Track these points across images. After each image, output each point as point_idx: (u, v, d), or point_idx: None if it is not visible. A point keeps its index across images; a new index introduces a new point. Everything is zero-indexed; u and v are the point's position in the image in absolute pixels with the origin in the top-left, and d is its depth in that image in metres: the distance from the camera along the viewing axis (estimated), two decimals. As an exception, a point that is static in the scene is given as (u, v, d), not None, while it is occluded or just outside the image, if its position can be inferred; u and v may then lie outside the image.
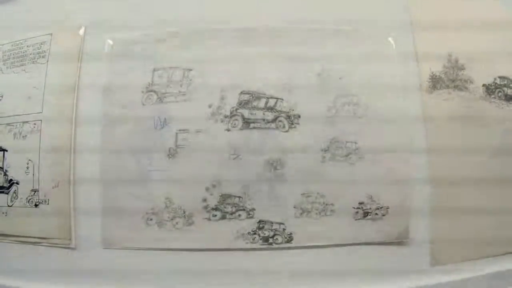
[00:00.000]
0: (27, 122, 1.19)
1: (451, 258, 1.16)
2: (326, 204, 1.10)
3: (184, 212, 1.08)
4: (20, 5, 1.26)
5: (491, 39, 1.24)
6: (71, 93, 1.16)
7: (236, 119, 1.09)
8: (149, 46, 1.14)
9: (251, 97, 1.10)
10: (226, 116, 1.09)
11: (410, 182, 1.13)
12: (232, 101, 1.10)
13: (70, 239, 1.15)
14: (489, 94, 1.21)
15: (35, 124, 1.18)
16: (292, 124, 1.09)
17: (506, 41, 1.24)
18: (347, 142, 1.10)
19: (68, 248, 1.14)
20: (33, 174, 1.18)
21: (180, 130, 1.10)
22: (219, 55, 1.12)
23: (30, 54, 1.23)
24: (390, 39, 1.15)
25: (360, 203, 1.10)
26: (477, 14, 1.25)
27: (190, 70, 1.11)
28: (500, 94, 1.23)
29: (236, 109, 1.09)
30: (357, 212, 1.10)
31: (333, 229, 1.10)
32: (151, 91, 1.11)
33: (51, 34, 1.22)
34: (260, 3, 1.15)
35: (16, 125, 1.20)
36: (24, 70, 1.23)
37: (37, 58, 1.23)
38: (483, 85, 1.20)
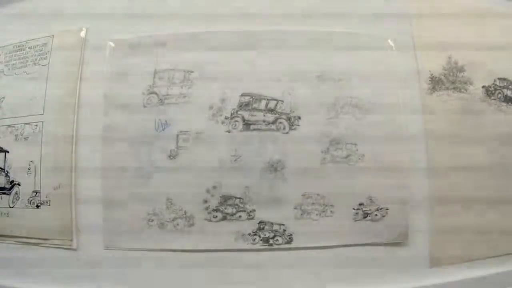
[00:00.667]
0: (28, 123, 1.20)
1: (451, 259, 1.17)
2: (326, 205, 1.10)
3: (185, 213, 1.09)
4: (22, 7, 1.26)
5: (491, 40, 1.23)
6: (72, 94, 1.16)
7: (237, 121, 1.10)
8: (150, 48, 1.14)
9: (251, 99, 1.10)
10: (226, 118, 1.10)
11: (410, 184, 1.12)
12: (232, 103, 1.11)
13: (71, 240, 1.15)
14: (489, 96, 1.22)
15: (36, 125, 1.19)
16: (293, 125, 1.10)
17: (506, 42, 1.23)
18: (347, 143, 1.11)
19: (70, 249, 1.14)
20: (35, 176, 1.18)
21: (181, 131, 1.10)
22: (220, 57, 1.12)
23: (32, 55, 1.24)
24: (389, 40, 1.16)
25: (360, 204, 1.10)
26: (477, 16, 1.24)
27: (191, 72, 1.11)
28: (499, 95, 1.23)
29: (237, 111, 1.10)
30: (357, 213, 1.10)
31: (333, 230, 1.11)
32: (152, 93, 1.12)
33: (52, 36, 1.22)
34: (260, 6, 1.15)
35: (18, 127, 1.21)
36: (26, 71, 1.23)
37: (39, 60, 1.23)
38: (483, 86, 1.21)
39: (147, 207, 1.10)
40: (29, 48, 1.24)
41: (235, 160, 1.09)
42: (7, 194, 1.21)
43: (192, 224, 1.09)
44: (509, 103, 1.22)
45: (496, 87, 1.23)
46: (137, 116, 1.11)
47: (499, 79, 1.23)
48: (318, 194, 1.10)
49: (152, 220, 1.10)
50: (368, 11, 1.18)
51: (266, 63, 1.12)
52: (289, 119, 1.10)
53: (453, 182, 1.15)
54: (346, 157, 1.10)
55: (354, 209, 1.10)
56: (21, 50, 1.25)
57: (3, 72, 1.27)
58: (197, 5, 1.16)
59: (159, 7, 1.17)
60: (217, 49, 1.13)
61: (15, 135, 1.21)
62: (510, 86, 1.24)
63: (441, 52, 1.21)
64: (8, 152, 1.21)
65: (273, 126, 1.10)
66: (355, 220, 1.11)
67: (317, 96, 1.11)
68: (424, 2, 1.23)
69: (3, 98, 1.24)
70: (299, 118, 1.10)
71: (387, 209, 1.12)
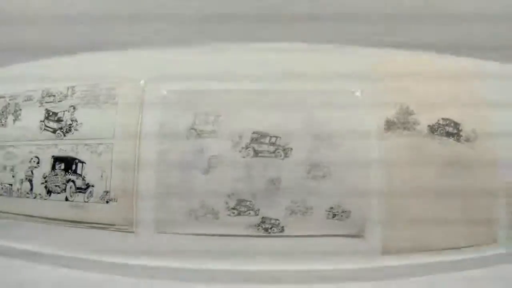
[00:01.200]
0: (101, 143, 1.45)
1: (398, 250, 1.35)
2: (308, 208, 1.35)
3: (213, 210, 1.36)
4: (95, 57, 1.50)
5: (437, 88, 1.41)
6: (135, 127, 1.42)
7: (249, 150, 1.37)
8: (192, 96, 1.41)
9: (259, 136, 1.37)
10: (242, 148, 1.37)
11: (367, 193, 1.34)
12: (247, 138, 1.37)
13: (131, 226, 1.38)
14: (433, 132, 1.40)
15: (107, 145, 1.44)
16: (287, 154, 1.36)
17: (450, 89, 1.43)
18: (323, 167, 1.35)
19: (130, 232, 1.38)
20: (106, 180, 1.42)
21: (211, 156, 1.37)
22: (239, 106, 1.39)
23: (103, 95, 1.48)
24: (357, 93, 1.40)
25: (331, 208, 1.35)
26: (427, 68, 1.44)
27: (219, 116, 1.39)
28: (442, 131, 1.41)
29: (249, 143, 1.37)
30: (328, 214, 1.35)
31: (312, 225, 1.34)
32: (193, 129, 1.38)
33: (119, 82, 1.47)
34: (264, 74, 1.41)
35: (93, 145, 1.45)
36: (98, 106, 1.47)
37: (108, 99, 1.47)
38: (428, 125, 1.40)
39: (187, 205, 1.36)
40: (100, 89, 1.49)
41: (247, 176, 1.35)
42: (83, 193, 1.44)
43: (218, 218, 1.35)
44: (449, 137, 1.41)
45: (439, 125, 1.40)
46: (182, 145, 1.36)
47: (443, 119, 1.41)
48: (302, 200, 1.34)
49: (191, 214, 1.36)
50: (343, 71, 1.41)
51: (270, 111, 1.39)
52: (284, 150, 1.36)
53: (403, 193, 1.34)
54: (323, 176, 1.35)
55: (326, 211, 1.35)
56: (93, 91, 1.50)
57: (80, 104, 1.49)
58: (224, 71, 1.41)
59: (200, 68, 1.41)
60: (238, 100, 1.40)
61: (91, 152, 1.45)
62: (452, 124, 1.41)
63: (395, 101, 1.40)
64: (85, 163, 1.46)
65: (274, 154, 1.36)
66: (327, 219, 1.34)
67: (303, 134, 1.37)
68: (384, 64, 1.44)
69: (81, 123, 1.47)
70: (291, 149, 1.36)
71: (350, 212, 1.34)
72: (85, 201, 1.43)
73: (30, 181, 1.52)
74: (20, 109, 1.58)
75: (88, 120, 1.47)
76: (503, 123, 1.43)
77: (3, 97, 1.61)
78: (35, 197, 1.49)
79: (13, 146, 1.54)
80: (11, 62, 1.58)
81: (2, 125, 1.59)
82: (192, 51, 1.43)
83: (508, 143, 1.42)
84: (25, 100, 1.58)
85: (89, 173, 1.44)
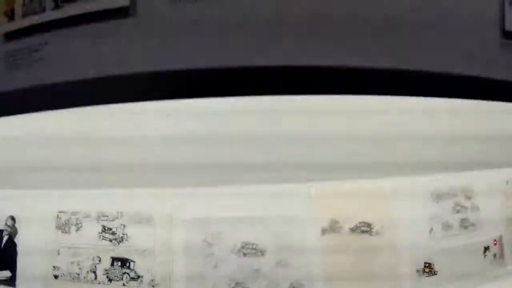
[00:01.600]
0: (146, 250, 1.93)
1: None
2: (277, 285, 1.77)
3: None
4: (135, 191, 1.86)
5: (355, 202, 1.66)
6: (168, 240, 1.91)
7: (240, 253, 1.94)
8: (204, 221, 1.76)
9: (245, 244, 1.97)
10: (236, 251, 2.01)
11: (313, 274, 1.78)
12: (238, 246, 1.92)
13: None
14: (353, 232, 1.74)
15: (150, 251, 1.81)
16: (262, 254, 1.85)
17: (365, 201, 1.71)
18: (285, 260, 1.73)
19: None
20: (151, 273, 1.83)
21: (217, 257, 1.92)
22: (233, 227, 1.86)
23: (143, 219, 1.90)
24: (300, 211, 1.97)
25: (291, 283, 1.73)
26: (349, 190, 1.71)
27: (221, 233, 1.88)
28: (359, 230, 1.77)
29: (240, 249, 1.95)
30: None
31: None
32: (205, 241, 1.84)
33: (154, 211, 1.88)
34: (249, 206, 2.00)
35: (140, 251, 1.90)
36: (141, 226, 1.87)
37: (148, 222, 1.91)
38: (349, 228, 1.70)
39: (206, 285, 2.01)
40: (142, 214, 1.84)
41: (240, 268, 1.94)
42: (135, 281, 1.86)
43: (224, 295, 2.03)
44: (363, 233, 1.82)
45: (357, 227, 1.73)
46: (198, 251, 1.94)
47: (359, 222, 1.69)
48: (274, 280, 1.71)
49: (207, 291, 2.03)
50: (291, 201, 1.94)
51: (252, 230, 1.98)
52: (261, 251, 1.88)
53: (336, 276, 1.71)
54: (285, 265, 1.76)
55: (289, 286, 1.74)
56: (137, 215, 1.88)
57: (127, 224, 1.92)
58: (224, 204, 1.94)
59: (209, 203, 1.90)
60: (232, 224, 1.93)
61: (139, 255, 1.92)
62: (366, 225, 1.68)
63: (328, 217, 1.67)
64: (135, 262, 1.84)
65: (255, 254, 1.91)
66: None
67: (271, 242, 1.84)
68: (318, 192, 1.72)
69: (130, 236, 1.86)
70: (265, 251, 1.75)
71: (304, 285, 1.68)
72: (137, 287, 2.05)
73: (94, 272, 1.97)
74: (81, 223, 2.08)
75: (135, 234, 1.90)
76: (403, 218, 1.96)
77: (65, 212, 2.19)
78: (99, 283, 2.04)
79: (78, 248, 2.15)
80: (72, 187, 2.12)
81: (67, 232, 2.15)
82: (204, 191, 2.02)
83: (405, 232, 1.97)
84: (84, 217, 2.14)
85: (139, 268, 1.76)
